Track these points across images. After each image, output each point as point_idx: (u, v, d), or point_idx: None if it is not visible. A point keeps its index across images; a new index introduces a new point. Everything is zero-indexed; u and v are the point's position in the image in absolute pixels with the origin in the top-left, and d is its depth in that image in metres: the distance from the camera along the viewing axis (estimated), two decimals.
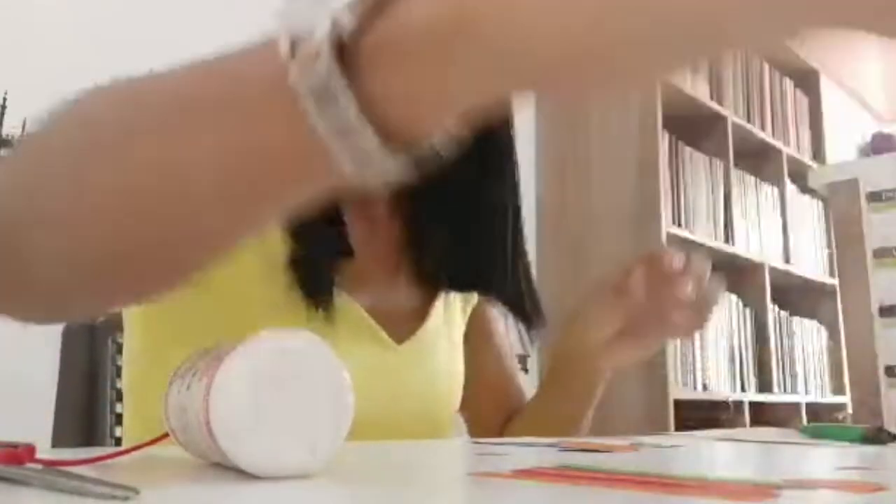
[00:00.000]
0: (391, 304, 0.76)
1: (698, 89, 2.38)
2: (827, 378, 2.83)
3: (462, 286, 0.80)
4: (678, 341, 2.09)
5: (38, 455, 0.32)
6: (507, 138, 0.79)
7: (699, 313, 0.74)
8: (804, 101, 3.11)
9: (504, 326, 0.85)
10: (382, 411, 0.69)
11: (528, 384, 2.24)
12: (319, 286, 0.67)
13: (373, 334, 0.72)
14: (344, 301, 0.69)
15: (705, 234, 2.29)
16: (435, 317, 0.78)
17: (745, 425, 2.20)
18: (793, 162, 2.82)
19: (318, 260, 0.67)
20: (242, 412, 0.33)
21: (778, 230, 2.71)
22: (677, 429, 1.93)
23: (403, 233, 0.79)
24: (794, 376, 2.60)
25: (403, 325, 0.75)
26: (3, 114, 1.30)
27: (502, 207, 0.77)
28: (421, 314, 0.77)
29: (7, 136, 1.30)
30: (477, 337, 0.85)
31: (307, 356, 0.36)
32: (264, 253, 0.65)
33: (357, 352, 0.69)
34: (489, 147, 0.76)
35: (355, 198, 0.76)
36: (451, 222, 0.77)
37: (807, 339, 2.75)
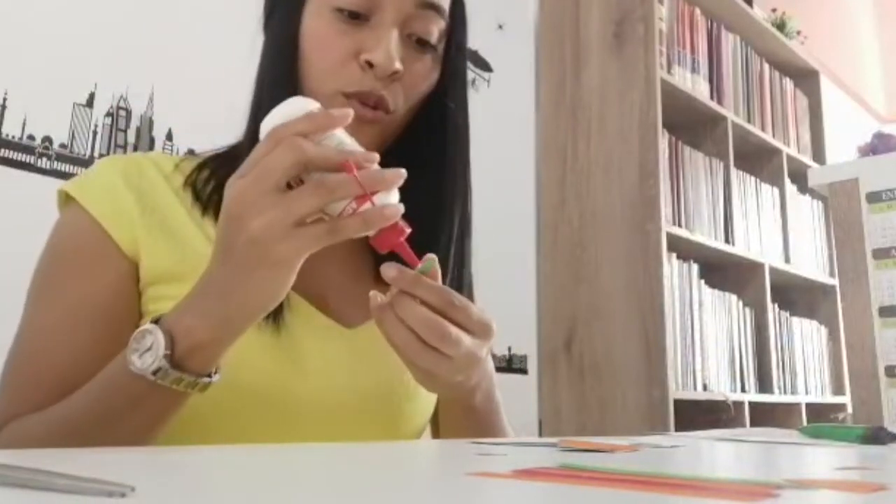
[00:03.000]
0: (342, 292, 0.78)
1: (698, 89, 2.38)
2: (827, 378, 2.83)
3: None
4: (678, 343, 2.09)
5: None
6: (464, 156, 0.79)
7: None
8: (804, 101, 3.11)
9: None
10: (338, 391, 0.73)
11: (528, 385, 2.26)
12: None
13: (317, 321, 0.74)
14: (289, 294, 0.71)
15: (705, 234, 2.29)
16: None
17: (745, 425, 2.20)
18: (793, 162, 2.82)
19: None
20: None
21: (778, 230, 2.71)
22: (677, 429, 1.93)
23: None
24: (794, 376, 2.60)
25: (358, 313, 0.77)
26: (2, 114, 1.30)
27: (450, 213, 0.77)
28: None
29: (7, 135, 1.30)
30: None
31: None
32: None
33: (306, 336, 0.72)
34: (445, 158, 0.77)
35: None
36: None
37: (807, 339, 2.74)
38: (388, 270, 0.60)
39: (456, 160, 0.78)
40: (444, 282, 0.75)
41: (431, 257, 0.62)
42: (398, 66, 0.70)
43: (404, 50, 0.72)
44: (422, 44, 0.74)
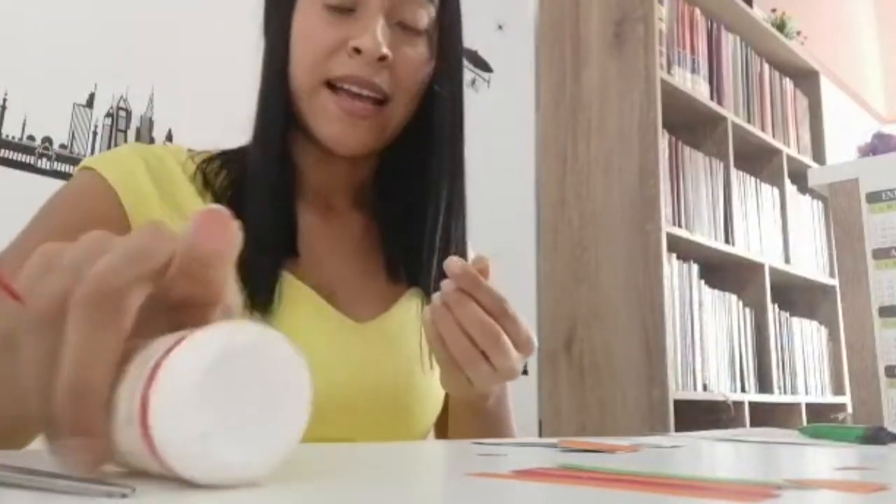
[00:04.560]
0: (351, 287, 0.77)
1: (698, 90, 2.38)
2: (827, 378, 2.83)
3: (416, 282, 0.80)
4: (678, 343, 2.09)
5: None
6: (458, 149, 0.79)
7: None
8: (804, 101, 3.11)
9: None
10: (343, 386, 0.72)
11: (528, 385, 2.26)
12: (260, 291, 0.68)
13: (327, 313, 0.74)
14: (293, 284, 0.71)
15: (705, 234, 2.29)
16: (403, 307, 0.79)
17: (745, 425, 2.20)
18: (793, 162, 2.82)
19: (259, 265, 0.67)
20: (188, 419, 0.28)
21: (778, 230, 2.71)
22: (677, 429, 1.93)
23: (365, 224, 0.82)
24: (794, 376, 2.60)
25: (367, 309, 0.77)
26: (2, 114, 1.30)
27: (437, 188, 0.77)
28: (389, 303, 0.79)
29: (7, 136, 1.30)
30: None
31: (261, 353, 0.30)
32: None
33: (314, 328, 0.72)
34: (440, 157, 0.77)
35: (313, 189, 0.79)
36: (407, 218, 0.79)
37: (807, 339, 2.74)
38: (453, 266, 0.59)
39: (443, 137, 0.77)
40: (431, 261, 0.75)
41: (483, 257, 0.62)
42: (385, 50, 0.71)
43: (393, 36, 0.72)
44: (412, 30, 0.74)
